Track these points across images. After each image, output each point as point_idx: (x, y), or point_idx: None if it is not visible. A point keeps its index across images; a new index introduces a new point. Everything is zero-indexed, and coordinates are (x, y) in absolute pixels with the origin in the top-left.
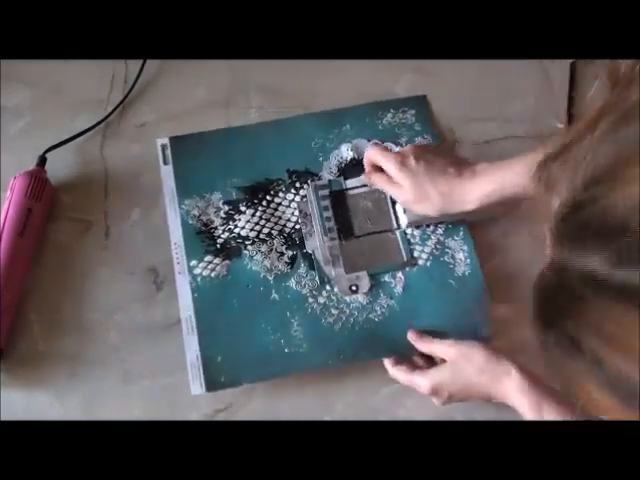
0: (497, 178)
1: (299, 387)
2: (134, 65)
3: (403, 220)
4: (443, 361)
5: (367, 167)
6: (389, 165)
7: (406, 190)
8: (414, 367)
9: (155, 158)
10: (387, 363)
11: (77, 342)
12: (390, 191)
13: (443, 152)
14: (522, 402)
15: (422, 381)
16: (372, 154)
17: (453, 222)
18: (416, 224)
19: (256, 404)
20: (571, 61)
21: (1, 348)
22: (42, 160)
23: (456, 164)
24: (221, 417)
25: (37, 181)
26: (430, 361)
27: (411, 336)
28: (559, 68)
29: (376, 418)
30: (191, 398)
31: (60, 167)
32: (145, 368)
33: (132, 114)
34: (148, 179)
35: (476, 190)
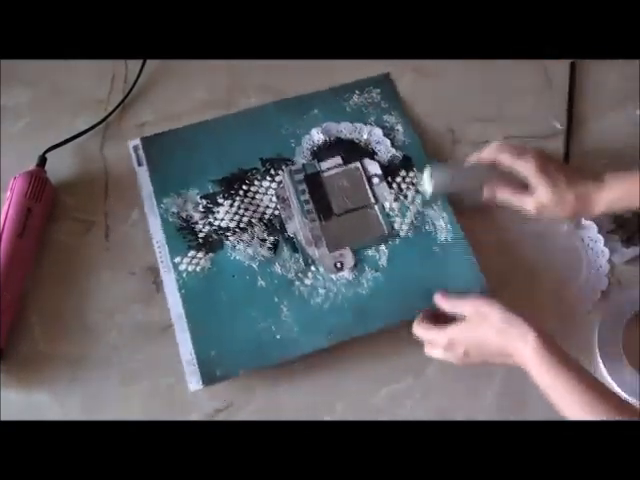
0: (624, 187)
1: (299, 387)
2: (134, 65)
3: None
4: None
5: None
6: (527, 166)
7: (541, 194)
8: (435, 323)
9: None
10: (416, 323)
11: (78, 342)
12: (519, 201)
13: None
14: (537, 368)
15: (438, 335)
16: (504, 159)
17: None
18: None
19: (256, 404)
20: (571, 61)
21: (1, 348)
22: (42, 160)
23: (581, 170)
24: (221, 417)
25: (37, 181)
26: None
27: (437, 297)
28: (559, 68)
29: (376, 418)
30: (191, 398)
31: (60, 167)
32: (145, 368)
33: (132, 114)
34: None
35: (606, 196)
